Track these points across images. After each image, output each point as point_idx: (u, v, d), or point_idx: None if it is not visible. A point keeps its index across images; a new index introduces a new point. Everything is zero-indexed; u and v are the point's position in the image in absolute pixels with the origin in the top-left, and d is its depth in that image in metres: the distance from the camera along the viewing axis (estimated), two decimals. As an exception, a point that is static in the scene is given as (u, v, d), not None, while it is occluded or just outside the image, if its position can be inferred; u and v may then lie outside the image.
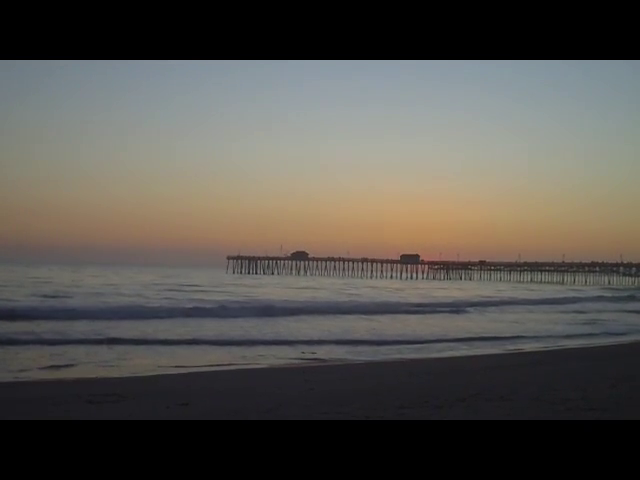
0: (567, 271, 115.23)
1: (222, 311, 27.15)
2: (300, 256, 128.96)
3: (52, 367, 12.73)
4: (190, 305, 29.70)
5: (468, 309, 34.60)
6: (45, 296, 33.38)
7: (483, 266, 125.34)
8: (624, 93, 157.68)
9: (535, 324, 26.73)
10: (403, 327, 23.90)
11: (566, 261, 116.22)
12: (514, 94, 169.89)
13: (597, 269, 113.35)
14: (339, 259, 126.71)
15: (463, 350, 17.24)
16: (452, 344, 18.62)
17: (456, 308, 34.47)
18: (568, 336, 21.78)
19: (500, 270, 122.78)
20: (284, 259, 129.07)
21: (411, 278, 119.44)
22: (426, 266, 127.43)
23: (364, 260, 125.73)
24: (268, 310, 28.51)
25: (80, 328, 19.54)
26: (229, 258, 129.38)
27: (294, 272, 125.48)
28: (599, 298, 51.39)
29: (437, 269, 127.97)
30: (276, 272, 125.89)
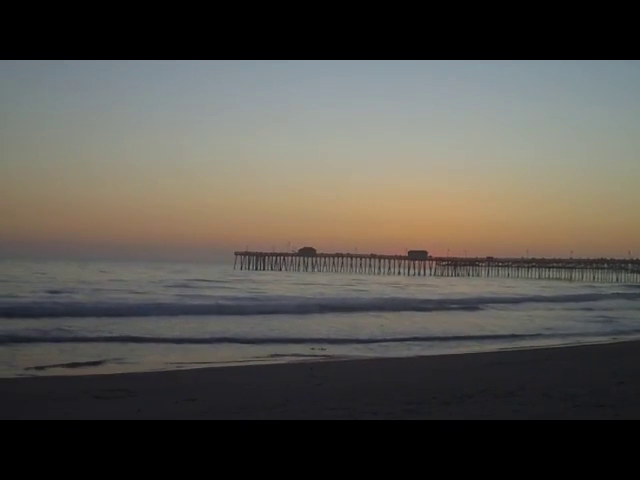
0: (575, 267, 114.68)
1: (229, 308, 27.19)
2: (308, 252, 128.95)
3: (60, 364, 12.77)
4: (198, 302, 29.78)
5: (480, 306, 34.40)
6: (53, 292, 33.48)
7: (491, 262, 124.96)
8: (629, 90, 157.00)
9: (551, 321, 26.41)
10: (412, 324, 23.82)
11: (574, 257, 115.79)
12: (518, 92, 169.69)
13: (605, 266, 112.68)
14: (347, 255, 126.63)
15: (474, 347, 17.19)
16: (467, 342, 18.49)
17: (468, 305, 34.31)
18: (584, 334, 21.53)
19: (508, 266, 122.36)
20: (292, 255, 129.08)
21: (419, 274, 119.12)
22: (434, 262, 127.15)
23: (372, 256, 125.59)
24: (276, 307, 28.56)
25: (88, 325, 19.61)
26: (237, 254, 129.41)
27: (302, 268, 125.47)
28: (615, 295, 50.44)
29: (445, 265, 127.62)
30: (284, 268, 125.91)
